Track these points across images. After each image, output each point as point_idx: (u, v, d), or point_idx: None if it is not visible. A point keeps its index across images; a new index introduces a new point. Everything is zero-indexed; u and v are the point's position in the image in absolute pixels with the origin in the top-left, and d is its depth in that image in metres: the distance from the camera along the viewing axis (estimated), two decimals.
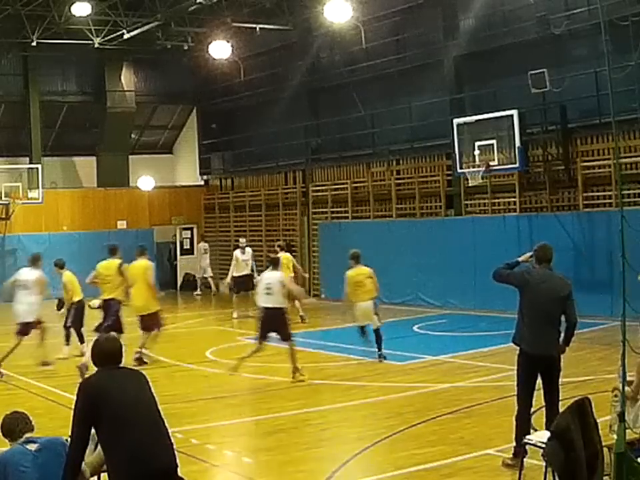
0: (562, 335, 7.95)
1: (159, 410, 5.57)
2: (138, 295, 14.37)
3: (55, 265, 15.84)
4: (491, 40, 20.64)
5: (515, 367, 8.06)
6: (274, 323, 12.91)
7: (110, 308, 13.90)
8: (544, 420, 7.80)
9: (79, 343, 15.08)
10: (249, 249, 21.50)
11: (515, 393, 8.04)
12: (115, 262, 14.13)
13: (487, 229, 20.23)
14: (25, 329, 13.88)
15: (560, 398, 7.85)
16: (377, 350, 14.04)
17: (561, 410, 7.11)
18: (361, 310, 14.09)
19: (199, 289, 28.30)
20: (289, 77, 26.43)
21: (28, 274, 14.10)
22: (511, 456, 7.74)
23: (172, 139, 33.08)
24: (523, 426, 7.67)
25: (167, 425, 5.51)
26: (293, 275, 19.88)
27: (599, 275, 17.36)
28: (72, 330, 15.40)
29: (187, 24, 25.29)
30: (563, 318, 7.92)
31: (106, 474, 5.60)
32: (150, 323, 14.48)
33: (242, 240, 22.10)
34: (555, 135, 19.00)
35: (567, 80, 18.46)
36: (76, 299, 15.40)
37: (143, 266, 14.62)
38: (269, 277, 13.20)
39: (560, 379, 7.94)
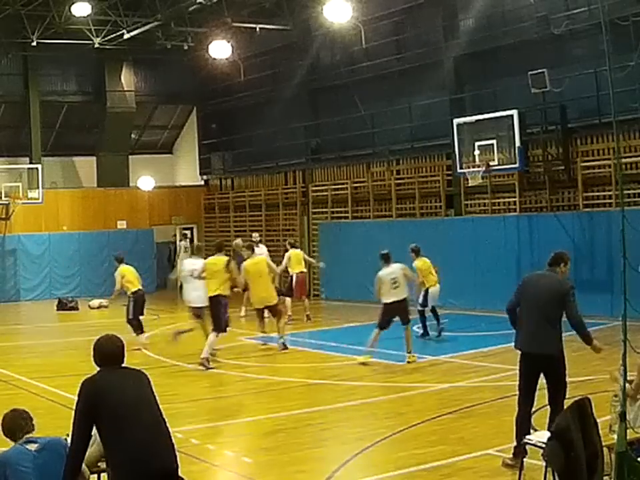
0: (562, 335, 7.92)
1: (160, 410, 5.57)
2: (262, 288, 15.48)
3: (115, 259, 16.70)
4: (491, 40, 20.63)
5: (516, 367, 8.05)
6: (398, 311, 13.76)
7: (219, 305, 14.33)
8: (545, 420, 7.78)
9: (133, 334, 15.56)
10: (262, 246, 21.01)
11: (516, 393, 8.03)
12: (222, 258, 14.59)
13: (487, 228, 20.23)
14: (198, 312, 14.93)
15: (566, 397, 7.80)
16: (437, 324, 16.28)
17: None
18: (433, 293, 16.28)
19: None
20: (289, 77, 26.42)
21: (194, 263, 14.81)
22: (511, 456, 7.73)
23: (172, 139, 33.08)
24: (523, 426, 7.67)
25: (168, 425, 5.52)
26: (305, 270, 19.99)
27: (599, 274, 17.36)
28: (134, 321, 16.00)
29: (187, 24, 25.28)
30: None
31: (106, 474, 5.60)
32: (276, 311, 15.68)
33: (255, 234, 22.09)
34: (555, 135, 19.00)
35: (566, 80, 18.45)
36: (132, 289, 16.08)
37: (263, 260, 15.94)
38: (391, 272, 13.76)
39: (566, 378, 7.90)
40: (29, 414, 5.70)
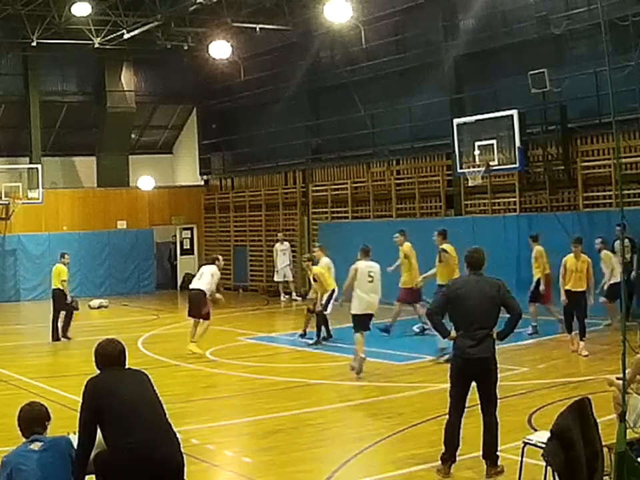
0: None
1: (162, 408, 5.61)
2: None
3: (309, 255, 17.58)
4: (491, 40, 20.63)
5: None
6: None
7: None
8: (544, 420, 7.78)
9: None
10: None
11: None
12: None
13: (487, 228, 20.19)
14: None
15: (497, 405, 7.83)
16: None
17: (561, 410, 7.10)
18: None
19: (282, 296, 25.43)
20: (289, 77, 26.41)
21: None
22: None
23: (172, 139, 33.07)
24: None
25: (171, 423, 5.53)
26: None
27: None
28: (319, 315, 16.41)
29: (187, 24, 25.26)
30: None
31: None
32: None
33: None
34: (554, 135, 18.99)
35: (567, 80, 18.46)
36: (329, 289, 16.71)
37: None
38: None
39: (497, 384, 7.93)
40: (46, 413, 5.69)
